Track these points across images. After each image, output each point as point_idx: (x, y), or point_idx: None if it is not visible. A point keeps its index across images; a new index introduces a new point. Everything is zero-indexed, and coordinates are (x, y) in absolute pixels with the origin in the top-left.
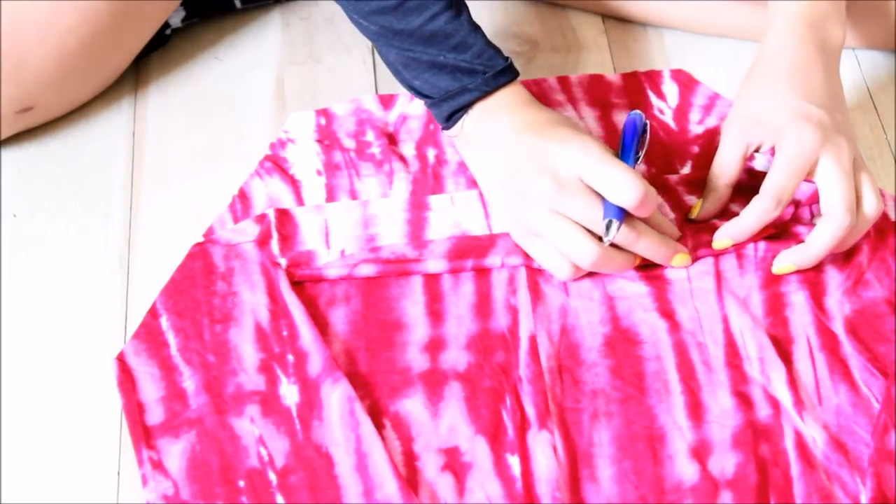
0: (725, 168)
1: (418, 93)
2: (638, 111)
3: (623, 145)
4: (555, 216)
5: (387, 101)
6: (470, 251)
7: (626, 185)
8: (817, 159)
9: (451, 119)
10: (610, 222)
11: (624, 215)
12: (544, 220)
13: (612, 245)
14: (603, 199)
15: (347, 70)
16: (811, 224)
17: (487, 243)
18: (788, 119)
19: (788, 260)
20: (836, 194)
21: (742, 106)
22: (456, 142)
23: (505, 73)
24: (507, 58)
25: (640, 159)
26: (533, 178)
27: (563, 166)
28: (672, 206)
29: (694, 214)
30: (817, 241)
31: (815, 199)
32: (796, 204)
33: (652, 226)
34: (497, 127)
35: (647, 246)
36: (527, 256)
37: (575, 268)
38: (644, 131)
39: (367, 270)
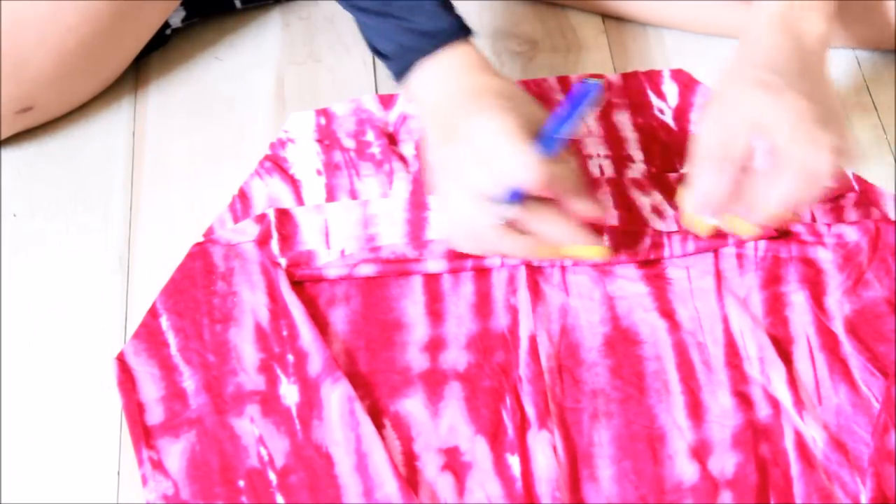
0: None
1: (378, 53)
2: (595, 80)
3: (555, 114)
4: (457, 188)
5: (387, 101)
6: None
7: (519, 167)
8: (766, 118)
9: (400, 78)
10: (505, 200)
11: (521, 196)
12: (448, 191)
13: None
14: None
15: (347, 70)
16: (811, 223)
17: None
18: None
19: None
20: (790, 150)
21: (719, 95)
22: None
23: (452, 35)
24: (458, 17)
25: (570, 132)
26: (440, 147)
27: (474, 137)
28: (672, 205)
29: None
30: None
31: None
32: None
33: (570, 209)
34: (434, 89)
35: (544, 229)
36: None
37: (477, 242)
38: (595, 102)
39: (367, 270)
